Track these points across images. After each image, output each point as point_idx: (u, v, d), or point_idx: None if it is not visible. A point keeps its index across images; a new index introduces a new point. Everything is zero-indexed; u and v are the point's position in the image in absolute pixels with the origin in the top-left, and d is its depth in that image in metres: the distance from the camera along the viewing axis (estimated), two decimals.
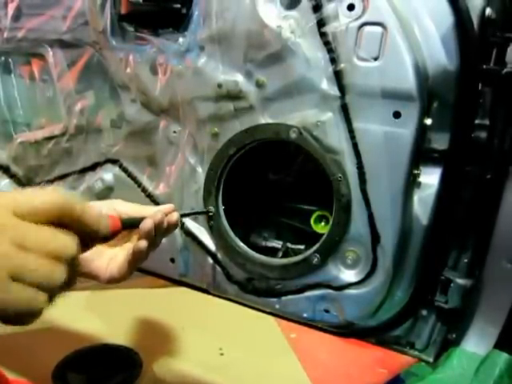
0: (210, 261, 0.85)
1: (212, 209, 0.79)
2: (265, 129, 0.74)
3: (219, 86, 0.75)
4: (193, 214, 0.82)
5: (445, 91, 0.65)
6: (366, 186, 0.69)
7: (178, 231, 0.87)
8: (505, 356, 0.71)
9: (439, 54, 0.64)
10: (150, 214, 0.54)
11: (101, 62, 0.88)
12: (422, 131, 0.66)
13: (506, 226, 0.70)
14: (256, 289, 0.82)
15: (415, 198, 0.69)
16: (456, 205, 0.71)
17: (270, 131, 0.74)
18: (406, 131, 0.65)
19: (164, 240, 0.88)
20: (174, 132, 0.84)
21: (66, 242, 0.41)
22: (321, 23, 0.66)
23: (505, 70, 0.64)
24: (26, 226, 0.39)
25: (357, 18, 0.65)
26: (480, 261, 0.73)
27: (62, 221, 0.42)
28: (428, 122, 0.66)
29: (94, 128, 0.92)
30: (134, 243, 0.55)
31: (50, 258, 0.39)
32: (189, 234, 0.86)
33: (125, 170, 0.91)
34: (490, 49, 0.66)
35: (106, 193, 0.94)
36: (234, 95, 0.75)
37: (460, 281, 0.74)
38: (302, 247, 0.86)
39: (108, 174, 0.93)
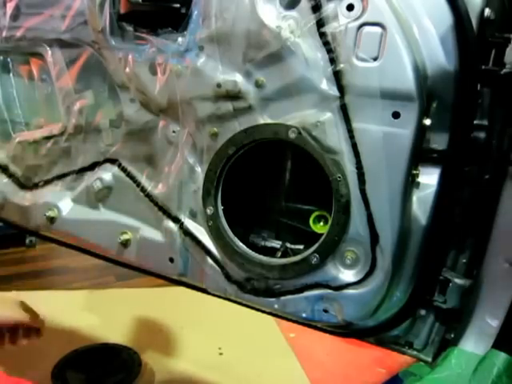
0: (209, 260, 0.85)
1: None
2: (264, 129, 0.74)
3: (218, 85, 0.75)
4: None
5: (444, 91, 0.65)
6: (366, 186, 0.69)
7: (177, 231, 0.87)
8: (503, 356, 0.71)
9: (438, 55, 0.64)
10: None
11: (100, 61, 0.88)
12: (421, 131, 0.66)
13: (505, 226, 0.70)
14: (255, 289, 0.82)
15: (414, 198, 0.70)
16: (455, 205, 0.71)
17: (269, 131, 0.74)
18: (405, 131, 0.65)
19: (163, 240, 0.89)
20: (173, 132, 0.84)
21: None
22: (320, 23, 0.66)
23: (503, 71, 0.64)
24: None
25: (356, 19, 0.64)
26: (478, 261, 0.74)
27: None
28: (427, 122, 0.66)
29: (93, 128, 0.92)
30: None
31: None
32: (188, 233, 0.86)
33: (124, 170, 0.91)
34: (489, 49, 0.67)
35: (104, 192, 0.94)
36: (233, 95, 0.75)
37: (458, 281, 0.74)
38: (301, 247, 0.86)
39: (107, 174, 0.93)
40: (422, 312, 0.78)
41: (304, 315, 0.79)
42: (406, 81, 0.63)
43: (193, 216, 0.85)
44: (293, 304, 0.79)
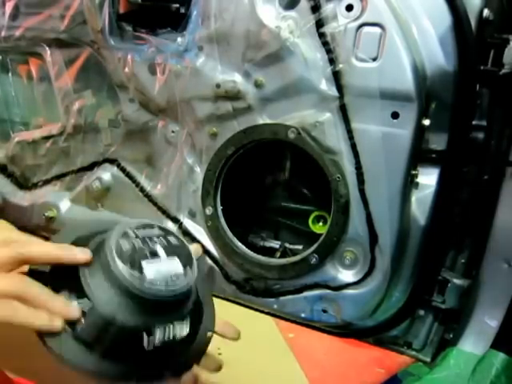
0: (208, 261, 0.85)
1: None
2: (263, 129, 0.74)
3: (217, 85, 0.75)
4: None
5: (443, 92, 0.65)
6: (365, 186, 0.69)
7: (176, 231, 0.87)
8: (502, 356, 0.71)
9: (437, 55, 0.64)
10: None
11: (99, 61, 0.88)
12: (420, 132, 0.66)
13: (503, 227, 0.71)
14: (254, 289, 0.82)
15: (413, 198, 0.70)
16: (454, 205, 0.71)
17: (269, 131, 0.74)
18: (404, 132, 0.65)
19: None
20: (173, 132, 0.84)
21: None
22: (319, 23, 0.66)
23: (502, 71, 0.65)
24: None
25: (355, 19, 0.65)
26: (477, 261, 0.74)
27: None
28: (426, 122, 0.66)
29: (92, 127, 0.92)
30: None
31: None
32: (187, 233, 0.86)
33: (123, 170, 0.91)
34: (488, 50, 0.67)
35: (103, 193, 0.94)
36: (233, 95, 0.75)
37: (457, 281, 0.74)
38: (300, 247, 0.86)
39: (106, 174, 0.93)
40: (421, 312, 0.78)
41: (303, 315, 0.79)
42: (405, 81, 0.63)
43: (192, 216, 0.85)
44: (292, 304, 0.79)
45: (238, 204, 0.85)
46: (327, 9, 0.66)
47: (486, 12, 0.64)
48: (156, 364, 0.48)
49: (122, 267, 0.46)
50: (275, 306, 0.81)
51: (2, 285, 0.45)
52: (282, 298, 0.80)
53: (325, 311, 0.77)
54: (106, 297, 0.46)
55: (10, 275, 0.47)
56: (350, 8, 0.65)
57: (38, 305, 0.46)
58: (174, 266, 0.49)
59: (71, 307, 0.47)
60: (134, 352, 0.47)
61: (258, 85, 0.73)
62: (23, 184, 1.03)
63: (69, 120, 0.93)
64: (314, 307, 0.77)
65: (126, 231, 0.50)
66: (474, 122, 0.68)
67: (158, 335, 0.47)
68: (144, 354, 0.47)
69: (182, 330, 0.50)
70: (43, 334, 0.46)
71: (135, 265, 0.47)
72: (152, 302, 0.47)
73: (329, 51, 0.67)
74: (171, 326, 0.49)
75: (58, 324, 0.46)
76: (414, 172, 0.68)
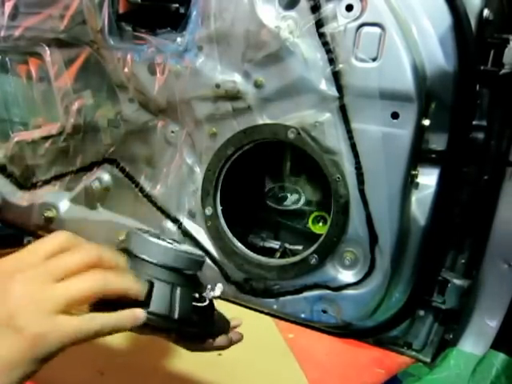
0: (208, 261, 0.85)
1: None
2: (263, 129, 0.74)
3: (217, 86, 0.75)
4: None
5: (443, 92, 0.65)
6: (364, 186, 0.69)
7: (175, 231, 0.87)
8: (502, 356, 0.71)
9: (437, 55, 0.64)
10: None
11: (98, 61, 0.88)
12: (420, 132, 0.66)
13: (503, 227, 0.71)
14: (254, 289, 0.82)
15: (413, 198, 0.70)
16: (454, 206, 0.71)
17: (268, 132, 0.74)
18: (404, 132, 0.65)
19: None
20: (172, 132, 0.83)
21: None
22: (319, 24, 0.66)
23: (502, 71, 0.65)
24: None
25: (355, 19, 0.64)
26: (477, 261, 0.74)
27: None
28: (426, 122, 0.66)
29: (92, 127, 0.92)
30: None
31: None
32: (187, 234, 0.86)
33: (122, 170, 0.91)
34: (488, 50, 0.67)
35: (103, 193, 0.94)
36: (232, 95, 0.75)
37: (457, 281, 0.74)
38: (300, 248, 0.86)
39: (105, 174, 0.93)
40: (421, 312, 0.78)
41: (303, 316, 0.79)
42: (405, 81, 0.63)
43: (192, 216, 0.85)
44: (292, 304, 0.79)
45: (238, 204, 0.85)
46: (327, 9, 0.65)
47: (486, 12, 0.64)
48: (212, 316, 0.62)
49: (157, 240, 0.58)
50: (275, 307, 0.80)
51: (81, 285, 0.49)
52: (281, 299, 0.79)
53: (325, 312, 0.76)
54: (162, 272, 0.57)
55: (85, 275, 0.50)
56: (349, 8, 0.65)
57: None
58: (182, 246, 0.61)
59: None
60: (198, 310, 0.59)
61: (257, 85, 0.73)
62: (23, 184, 1.03)
63: (68, 120, 0.93)
64: (314, 308, 0.77)
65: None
66: (474, 122, 0.68)
67: (208, 294, 0.61)
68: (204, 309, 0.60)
69: (215, 291, 0.63)
70: None
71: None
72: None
73: (329, 51, 0.66)
74: (209, 287, 0.62)
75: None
76: (414, 172, 0.68)
